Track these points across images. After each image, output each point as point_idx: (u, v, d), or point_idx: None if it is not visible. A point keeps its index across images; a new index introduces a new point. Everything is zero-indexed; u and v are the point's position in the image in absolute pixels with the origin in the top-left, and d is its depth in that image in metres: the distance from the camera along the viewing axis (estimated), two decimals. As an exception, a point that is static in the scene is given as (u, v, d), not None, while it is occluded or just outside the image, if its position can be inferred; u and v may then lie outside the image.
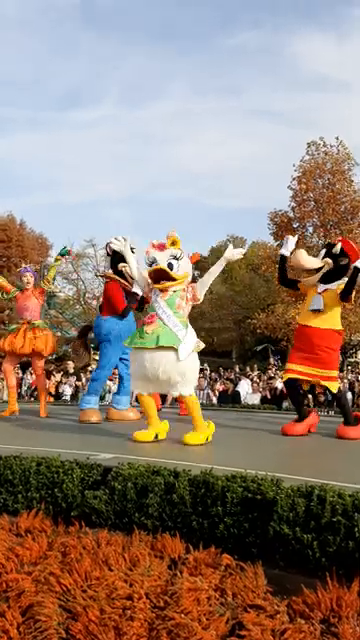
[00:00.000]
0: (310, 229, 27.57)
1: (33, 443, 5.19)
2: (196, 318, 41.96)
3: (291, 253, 6.44)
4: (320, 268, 6.26)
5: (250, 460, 4.43)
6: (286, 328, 26.63)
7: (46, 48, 68.39)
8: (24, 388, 16.49)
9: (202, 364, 20.20)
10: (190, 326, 5.60)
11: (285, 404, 11.91)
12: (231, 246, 5.92)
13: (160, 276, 5.48)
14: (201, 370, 18.92)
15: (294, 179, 26.81)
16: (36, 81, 69.26)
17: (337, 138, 26.37)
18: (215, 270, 5.83)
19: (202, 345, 5.61)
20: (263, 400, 12.69)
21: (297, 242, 6.65)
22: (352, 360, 34.51)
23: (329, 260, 6.24)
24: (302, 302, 6.87)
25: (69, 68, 68.81)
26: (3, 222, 36.57)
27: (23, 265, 8.51)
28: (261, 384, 14.38)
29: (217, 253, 45.03)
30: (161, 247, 5.54)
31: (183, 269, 5.57)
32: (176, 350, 5.26)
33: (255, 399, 13.17)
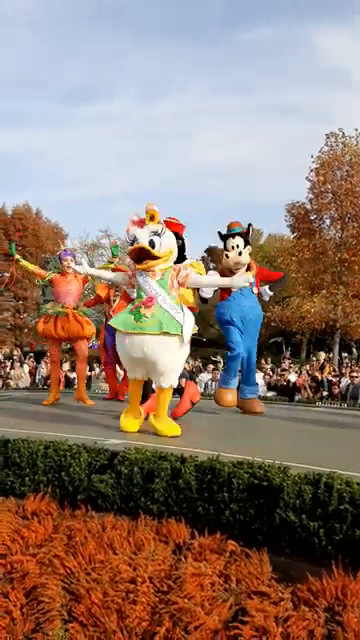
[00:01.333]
0: (327, 221, 27.34)
1: (43, 428, 5.20)
2: (211, 310, 41.95)
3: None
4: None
5: (258, 448, 4.39)
6: (301, 322, 26.48)
7: (54, 45, 68.22)
8: (38, 377, 16.59)
9: (215, 356, 20.17)
10: (186, 308, 5.35)
11: (298, 397, 11.85)
12: (240, 276, 5.95)
13: (142, 255, 5.13)
14: (215, 362, 18.96)
15: (312, 170, 26.56)
16: (47, 77, 69.33)
17: (356, 129, 26.06)
18: (216, 283, 6.06)
19: (195, 329, 5.47)
20: (273, 390, 12.65)
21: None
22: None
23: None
24: None
25: (81, 63, 68.80)
26: (19, 211, 36.76)
27: (63, 248, 8.47)
28: (274, 377, 14.31)
29: (233, 245, 44.86)
30: (141, 223, 5.18)
31: (166, 245, 5.20)
32: (179, 336, 5.06)
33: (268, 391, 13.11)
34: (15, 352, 20.03)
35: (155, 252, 5.11)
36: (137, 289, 5.34)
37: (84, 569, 2.96)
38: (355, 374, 12.37)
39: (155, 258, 5.12)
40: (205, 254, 51.59)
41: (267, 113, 67.66)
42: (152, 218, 5.11)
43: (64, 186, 68.61)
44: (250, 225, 7.28)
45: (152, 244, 5.09)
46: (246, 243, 7.01)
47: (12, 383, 14.06)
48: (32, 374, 16.78)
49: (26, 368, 16.86)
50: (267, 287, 7.33)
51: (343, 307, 26.04)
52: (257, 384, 7.76)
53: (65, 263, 7.86)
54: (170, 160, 66.54)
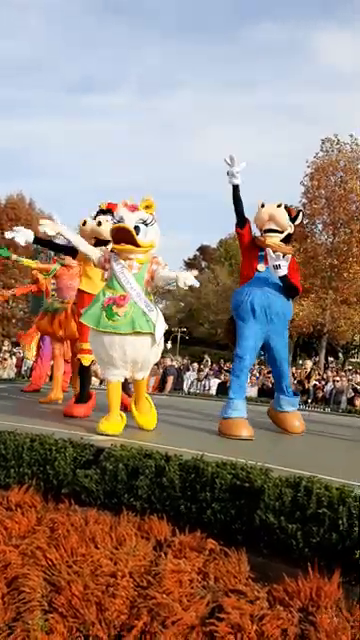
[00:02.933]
0: (320, 226, 27.54)
1: (29, 421, 5.22)
2: (200, 309, 42.12)
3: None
4: None
5: (242, 449, 4.47)
6: (289, 324, 26.64)
7: (69, 33, 68.25)
8: (24, 368, 16.59)
9: (203, 354, 20.12)
10: (158, 307, 5.22)
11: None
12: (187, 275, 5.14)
13: (122, 237, 4.93)
14: (200, 361, 19.00)
15: (306, 175, 26.74)
16: (53, 66, 69.41)
17: (351, 136, 26.28)
18: (170, 278, 5.19)
19: (165, 327, 5.23)
20: (260, 393, 12.74)
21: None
22: (354, 360, 34.51)
23: None
24: None
25: (88, 55, 68.67)
26: (13, 201, 36.58)
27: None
28: (261, 377, 14.42)
29: (225, 246, 45.08)
30: (133, 208, 4.99)
31: (150, 237, 5.03)
32: (151, 335, 4.97)
33: (252, 392, 13.21)
34: (6, 342, 19.96)
35: (137, 239, 4.93)
36: (111, 277, 5.14)
37: (65, 561, 3.01)
38: (338, 378, 12.52)
39: (136, 245, 4.95)
40: (197, 252, 51.76)
41: (268, 113, 67.99)
42: (147, 207, 4.99)
43: (60, 177, 68.48)
44: (300, 212, 6.15)
45: (137, 230, 4.92)
46: (290, 220, 5.68)
47: (-1, 374, 14.04)
48: (18, 366, 16.77)
49: (13, 359, 16.86)
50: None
51: (331, 312, 26.26)
52: (297, 394, 6.18)
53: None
54: (169, 156, 66.63)
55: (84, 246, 5.45)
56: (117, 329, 4.90)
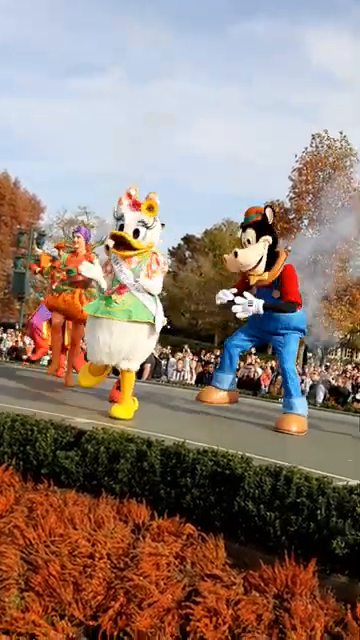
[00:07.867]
0: (306, 222, 27.61)
1: (12, 402, 5.20)
2: (182, 298, 42.06)
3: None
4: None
5: (224, 439, 4.49)
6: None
7: (60, 17, 67.23)
8: (4, 348, 16.49)
9: (183, 345, 20.10)
10: (158, 300, 5.33)
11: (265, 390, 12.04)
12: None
13: (121, 242, 5.00)
14: (181, 350, 19.02)
15: (295, 170, 26.75)
16: (44, 47, 68.27)
17: (341, 133, 26.32)
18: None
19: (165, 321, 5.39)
20: (239, 384, 12.81)
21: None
22: (332, 357, 34.82)
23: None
24: None
25: (79, 37, 67.78)
26: (-3, 180, 36.12)
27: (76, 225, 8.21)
28: (240, 371, 14.48)
29: (210, 236, 44.96)
30: (135, 205, 5.01)
31: (149, 239, 5.07)
32: (151, 324, 5.08)
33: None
34: None
35: (136, 243, 4.98)
36: (113, 278, 5.21)
37: (43, 541, 3.01)
38: (315, 373, 12.65)
39: (133, 249, 5.01)
40: (182, 242, 51.67)
41: (263, 107, 67.94)
42: (150, 208, 4.97)
43: (47, 159, 67.80)
44: (268, 208, 5.82)
45: (137, 233, 4.97)
46: (261, 234, 5.60)
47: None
48: (-2, 346, 16.66)
49: None
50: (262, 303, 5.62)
51: (312, 309, 26.43)
52: (293, 397, 5.93)
53: (76, 244, 7.40)
54: (156, 144, 66.10)
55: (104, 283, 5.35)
56: (112, 314, 4.96)
